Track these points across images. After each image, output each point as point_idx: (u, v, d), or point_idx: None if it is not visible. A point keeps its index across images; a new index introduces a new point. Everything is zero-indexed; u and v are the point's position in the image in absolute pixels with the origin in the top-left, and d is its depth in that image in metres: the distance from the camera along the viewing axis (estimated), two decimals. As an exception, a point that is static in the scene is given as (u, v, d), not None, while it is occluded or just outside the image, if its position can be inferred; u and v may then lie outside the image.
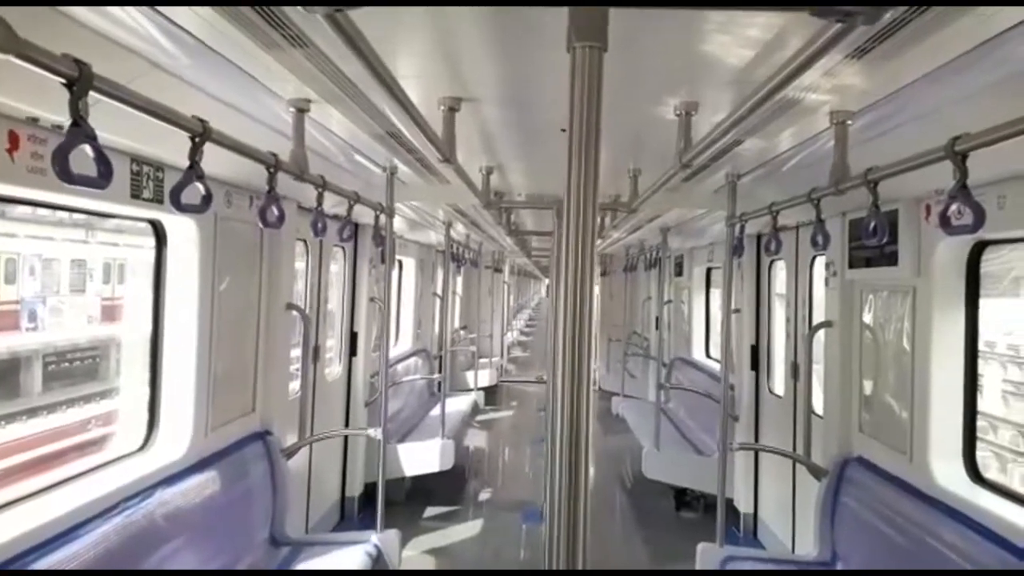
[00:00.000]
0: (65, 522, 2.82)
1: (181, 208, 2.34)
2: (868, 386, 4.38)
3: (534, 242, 12.70)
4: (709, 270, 9.23)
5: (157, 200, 3.33)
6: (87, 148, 1.72)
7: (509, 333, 19.95)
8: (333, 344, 6.69)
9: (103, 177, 1.77)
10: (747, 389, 6.68)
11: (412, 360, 9.31)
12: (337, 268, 6.73)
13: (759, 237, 6.39)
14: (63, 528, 2.80)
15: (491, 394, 12.94)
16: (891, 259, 3.90)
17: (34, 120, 2.48)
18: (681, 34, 2.26)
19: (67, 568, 2.66)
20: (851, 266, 4.39)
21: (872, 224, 2.91)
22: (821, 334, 4.77)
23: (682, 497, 7.41)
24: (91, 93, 1.75)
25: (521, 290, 29.77)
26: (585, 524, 1.36)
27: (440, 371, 9.41)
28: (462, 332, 13.58)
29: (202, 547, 3.66)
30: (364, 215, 4.96)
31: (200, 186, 2.39)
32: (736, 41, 2.26)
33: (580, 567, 1.36)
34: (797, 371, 5.67)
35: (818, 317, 5.27)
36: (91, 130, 1.70)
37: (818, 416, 4.83)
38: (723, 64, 2.48)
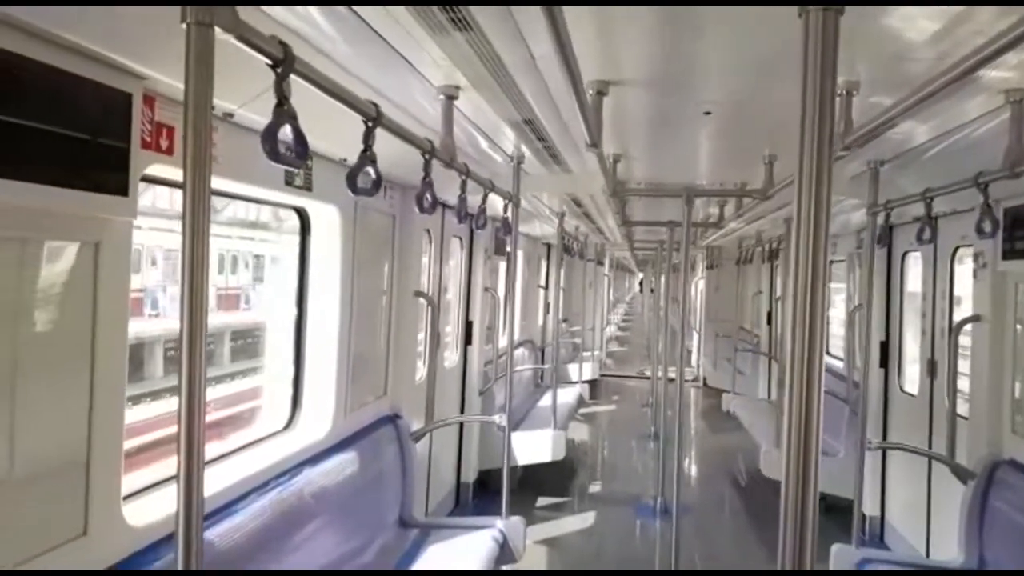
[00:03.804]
0: (230, 494, 2.95)
1: (357, 192, 2.39)
2: (1021, 386, 4.11)
3: (637, 234, 12.54)
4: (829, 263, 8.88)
5: (306, 187, 3.44)
6: (288, 128, 1.76)
7: (608, 327, 19.80)
8: (450, 331, 6.79)
9: (299, 157, 1.81)
10: (876, 387, 6.39)
11: (519, 351, 9.36)
12: (453, 259, 6.82)
13: (890, 228, 6.11)
14: (230, 499, 2.93)
15: (592, 388, 12.87)
16: None
17: None
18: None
19: (234, 537, 2.78)
20: (1005, 257, 4.13)
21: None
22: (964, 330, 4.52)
23: (800, 497, 7.16)
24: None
25: (617, 284, 29.47)
26: (814, 526, 1.33)
27: (544, 362, 9.42)
28: (563, 325, 13.56)
29: (341, 525, 3.76)
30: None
31: (371, 171, 2.43)
32: (923, 12, 2.13)
33: (808, 567, 1.33)
34: (934, 368, 5.38)
35: (958, 312, 4.99)
36: (293, 111, 1.75)
37: (961, 416, 4.57)
38: (900, 39, 2.35)
